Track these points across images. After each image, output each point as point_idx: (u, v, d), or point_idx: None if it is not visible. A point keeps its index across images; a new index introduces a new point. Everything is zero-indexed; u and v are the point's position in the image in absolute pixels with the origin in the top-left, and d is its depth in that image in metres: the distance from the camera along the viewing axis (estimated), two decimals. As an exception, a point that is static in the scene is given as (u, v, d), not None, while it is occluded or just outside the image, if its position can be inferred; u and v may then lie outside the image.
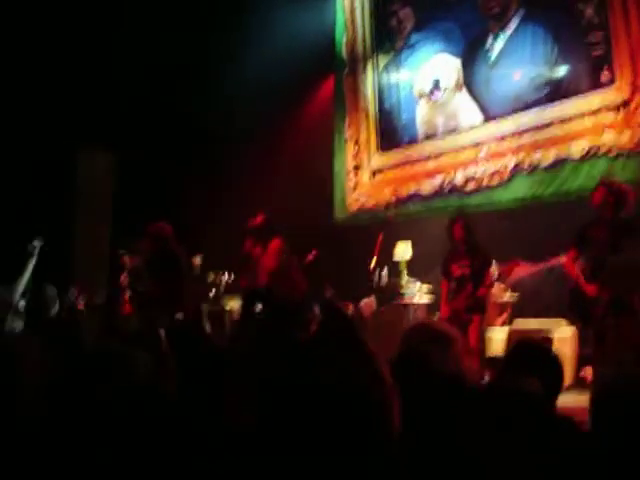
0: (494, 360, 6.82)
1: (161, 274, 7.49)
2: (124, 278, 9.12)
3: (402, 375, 2.40)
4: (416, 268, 8.91)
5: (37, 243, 6.72)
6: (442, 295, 6.80)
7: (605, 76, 7.48)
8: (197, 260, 9.80)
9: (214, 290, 9.79)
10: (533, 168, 8.25)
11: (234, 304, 9.51)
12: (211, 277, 9.92)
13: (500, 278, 6.96)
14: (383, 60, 10.50)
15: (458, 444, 1.86)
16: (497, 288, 7.73)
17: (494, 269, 7.58)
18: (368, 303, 8.47)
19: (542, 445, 1.88)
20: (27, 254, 6.67)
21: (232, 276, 9.88)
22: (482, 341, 6.54)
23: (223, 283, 9.92)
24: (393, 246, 8.85)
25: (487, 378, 6.32)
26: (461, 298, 6.44)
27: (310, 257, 8.50)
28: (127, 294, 9.32)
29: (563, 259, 5.95)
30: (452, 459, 1.84)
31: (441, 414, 1.98)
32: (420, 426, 1.94)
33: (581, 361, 6.71)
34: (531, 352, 2.69)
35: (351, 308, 8.86)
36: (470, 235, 6.56)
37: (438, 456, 1.87)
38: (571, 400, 4.67)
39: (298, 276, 7.56)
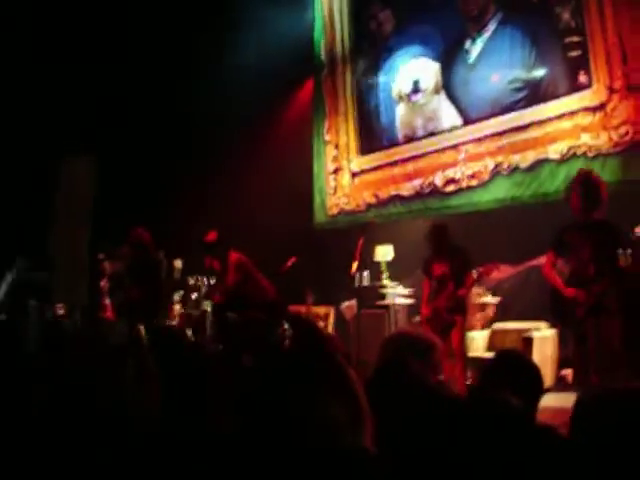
0: (475, 361, 6.86)
1: (141, 280, 7.50)
2: (104, 283, 9.09)
3: (380, 387, 2.41)
4: (397, 270, 8.95)
5: (20, 264, 6.74)
6: (423, 295, 6.80)
7: (582, 79, 7.54)
8: (178, 264, 9.78)
9: (195, 294, 9.78)
10: (512, 170, 8.30)
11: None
12: (191, 281, 9.90)
13: (479, 280, 6.96)
14: (362, 63, 10.52)
15: (437, 457, 1.87)
16: (477, 290, 7.78)
17: (474, 271, 7.62)
18: (349, 306, 8.49)
19: (520, 458, 1.89)
20: (7, 270, 6.67)
21: (212, 280, 9.86)
22: (464, 343, 6.53)
23: (204, 287, 9.90)
24: (374, 248, 8.89)
25: (469, 380, 6.36)
26: (442, 298, 6.45)
27: (289, 264, 8.51)
28: (107, 300, 9.30)
29: (541, 261, 5.99)
30: (431, 473, 1.84)
31: (420, 427, 1.98)
32: (399, 440, 1.94)
33: (562, 362, 6.77)
34: (511, 362, 2.70)
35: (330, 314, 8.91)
36: (445, 241, 6.60)
37: (417, 471, 1.87)
38: (552, 400, 4.72)
39: (264, 285, 7.60)
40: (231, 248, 7.58)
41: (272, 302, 7.39)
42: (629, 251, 5.38)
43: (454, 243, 6.65)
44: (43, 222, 10.57)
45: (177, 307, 8.97)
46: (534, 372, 2.65)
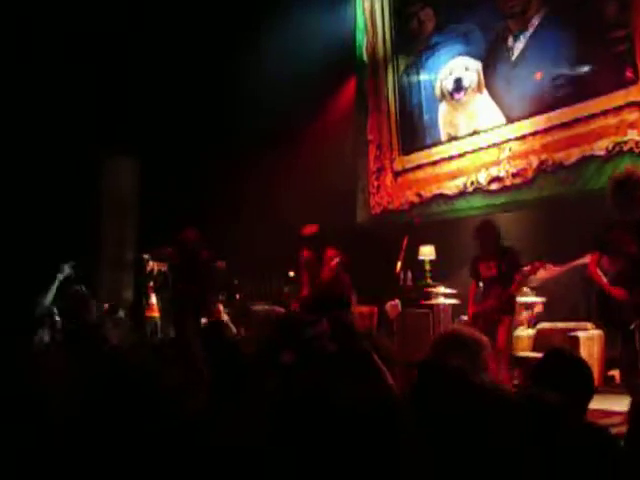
0: (521, 360, 6.82)
1: (191, 279, 7.59)
2: (150, 283, 9.24)
3: (426, 383, 2.42)
4: (441, 270, 8.92)
5: (67, 269, 6.88)
6: (470, 295, 6.65)
7: (628, 74, 7.43)
8: (221, 264, 9.87)
9: (238, 295, 9.87)
10: (557, 167, 8.21)
11: (258, 308, 9.57)
12: (236, 282, 9.99)
13: (527, 279, 6.88)
14: (404, 62, 10.51)
15: (486, 455, 1.87)
16: (522, 289, 7.71)
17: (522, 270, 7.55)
18: (393, 305, 8.47)
19: (566, 454, 1.89)
20: (56, 273, 6.83)
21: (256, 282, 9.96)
22: (510, 342, 6.44)
23: (247, 288, 9.99)
24: (417, 248, 8.86)
25: (516, 380, 6.32)
26: (490, 299, 6.34)
27: (333, 263, 8.53)
28: (153, 298, 9.44)
29: (587, 261, 5.91)
30: (478, 470, 1.85)
31: (468, 424, 1.99)
32: (445, 436, 1.95)
33: (608, 363, 6.68)
34: (561, 361, 2.68)
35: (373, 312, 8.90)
36: (499, 236, 6.46)
37: (463, 466, 1.88)
38: (599, 402, 4.66)
39: (347, 283, 7.59)
40: (328, 244, 7.57)
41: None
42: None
43: (502, 242, 6.49)
44: (90, 222, 10.75)
45: (221, 307, 9.05)
46: (585, 370, 2.62)
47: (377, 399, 1.90)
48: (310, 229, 7.60)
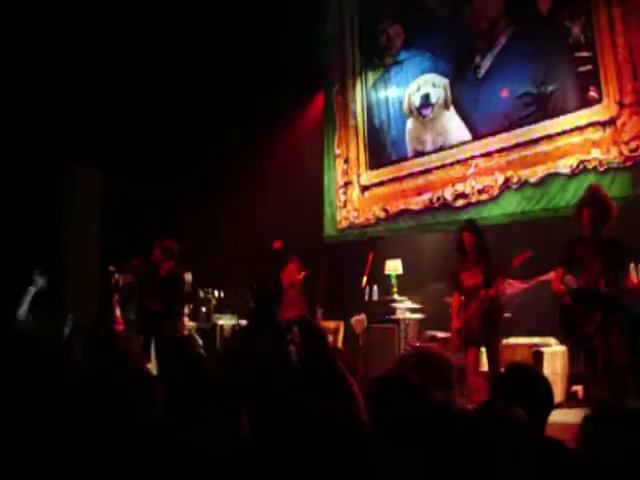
0: (485, 376, 6.83)
1: (163, 292, 7.52)
2: (116, 296, 9.12)
3: (380, 397, 2.43)
4: (407, 284, 8.95)
5: (40, 281, 6.85)
6: (453, 307, 6.44)
7: (592, 94, 7.54)
8: (188, 277, 9.80)
9: (204, 307, 9.80)
10: (522, 184, 8.30)
11: (224, 322, 9.52)
12: (201, 294, 9.93)
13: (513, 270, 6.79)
14: (372, 77, 10.56)
15: (444, 473, 1.87)
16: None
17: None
18: (359, 320, 8.48)
19: (527, 472, 1.89)
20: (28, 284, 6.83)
21: (221, 293, 9.89)
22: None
23: (213, 300, 9.93)
24: (384, 263, 8.88)
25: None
26: (473, 306, 6.17)
27: (300, 277, 8.54)
28: (117, 312, 9.32)
29: (551, 277, 5.97)
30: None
31: (422, 441, 1.99)
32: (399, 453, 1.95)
33: (572, 378, 6.73)
34: (521, 375, 2.70)
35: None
36: (481, 242, 6.32)
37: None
38: (562, 416, 4.70)
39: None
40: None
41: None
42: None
43: (486, 247, 6.35)
44: (53, 234, 10.60)
45: (186, 320, 8.97)
46: (544, 385, 2.65)
47: (341, 405, 1.90)
48: (277, 244, 7.66)
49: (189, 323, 9.02)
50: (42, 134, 9.80)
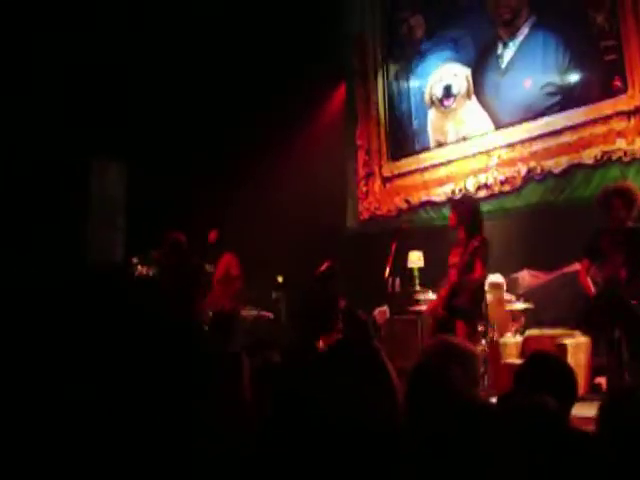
0: (508, 367, 6.80)
1: (178, 283, 7.57)
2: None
3: (418, 391, 2.41)
4: (429, 275, 8.91)
5: None
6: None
7: (617, 83, 7.46)
8: (208, 268, 9.83)
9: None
10: (545, 175, 8.23)
11: (245, 312, 9.53)
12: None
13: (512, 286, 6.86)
14: (394, 68, 10.52)
15: (475, 463, 1.86)
16: (509, 297, 7.72)
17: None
18: (381, 312, 8.46)
19: (557, 461, 1.87)
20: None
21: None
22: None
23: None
24: (406, 254, 8.86)
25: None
26: (447, 285, 6.21)
27: (323, 268, 8.53)
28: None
29: (577, 268, 5.93)
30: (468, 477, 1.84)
31: (457, 433, 1.98)
32: (435, 443, 1.94)
33: (595, 370, 6.68)
34: (544, 364, 2.68)
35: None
36: (470, 218, 6.30)
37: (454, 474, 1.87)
38: (585, 409, 4.66)
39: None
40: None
41: None
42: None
43: (476, 225, 6.31)
44: (77, 226, 10.68)
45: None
46: (569, 374, 2.62)
47: (380, 397, 1.89)
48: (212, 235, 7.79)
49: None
50: (67, 128, 9.87)
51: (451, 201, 6.54)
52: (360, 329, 3.09)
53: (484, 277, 6.37)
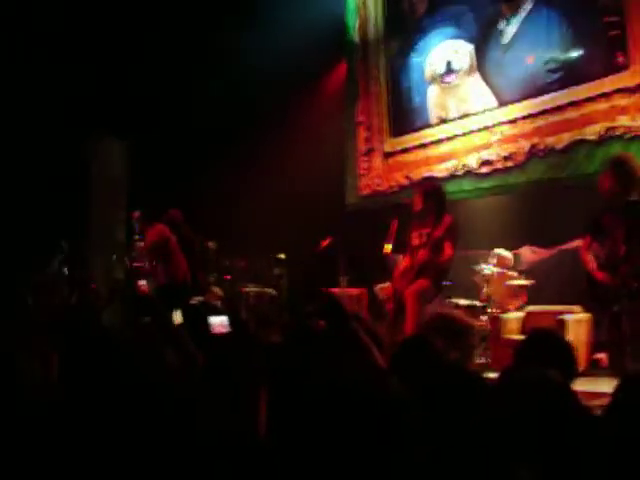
0: (509, 343, 6.85)
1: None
2: (139, 264, 9.21)
3: (402, 361, 2.47)
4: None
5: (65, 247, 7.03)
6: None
7: (619, 59, 7.43)
8: (212, 245, 9.87)
9: (229, 276, 9.87)
10: (548, 151, 8.22)
11: (250, 289, 9.58)
12: (227, 262, 9.99)
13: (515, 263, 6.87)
14: (395, 44, 10.47)
15: (470, 434, 1.89)
16: (511, 273, 7.75)
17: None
18: (383, 288, 8.49)
19: (559, 431, 1.90)
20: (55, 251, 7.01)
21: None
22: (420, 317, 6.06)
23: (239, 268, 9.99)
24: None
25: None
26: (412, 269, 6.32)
27: (324, 244, 8.56)
28: (142, 280, 9.42)
29: (578, 244, 5.96)
30: (464, 450, 1.86)
31: (446, 402, 2.01)
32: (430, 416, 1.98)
33: (596, 346, 6.73)
34: (544, 340, 2.71)
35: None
36: (434, 202, 6.43)
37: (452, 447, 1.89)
38: (585, 384, 4.71)
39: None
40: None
41: None
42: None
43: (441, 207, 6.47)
44: (80, 205, 10.71)
45: (216, 289, 9.04)
46: (568, 350, 2.66)
47: (363, 380, 1.92)
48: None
49: (217, 290, 9.07)
50: (68, 106, 9.87)
51: (415, 184, 6.61)
52: (337, 313, 3.13)
53: (452, 258, 6.45)
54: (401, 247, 6.88)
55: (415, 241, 6.43)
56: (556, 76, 8.12)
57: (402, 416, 1.69)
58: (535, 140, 8.32)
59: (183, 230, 7.96)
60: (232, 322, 3.74)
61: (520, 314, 7.52)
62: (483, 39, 9.02)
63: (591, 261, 5.46)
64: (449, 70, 9.45)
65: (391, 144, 10.39)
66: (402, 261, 6.58)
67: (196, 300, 7.48)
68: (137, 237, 8.17)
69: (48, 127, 9.77)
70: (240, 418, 2.31)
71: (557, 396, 1.92)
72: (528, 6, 8.46)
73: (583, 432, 1.90)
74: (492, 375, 4.63)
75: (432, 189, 6.64)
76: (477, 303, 7.46)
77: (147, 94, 10.49)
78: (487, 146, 8.89)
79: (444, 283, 6.92)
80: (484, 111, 9.00)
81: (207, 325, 3.87)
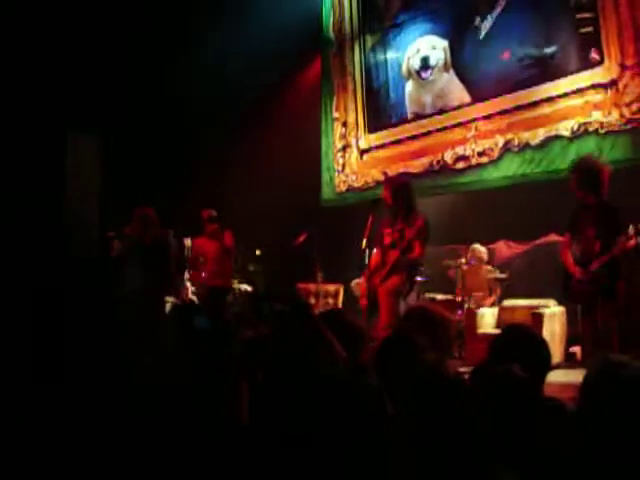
0: (484, 338, 6.88)
1: (149, 258, 7.52)
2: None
3: (385, 357, 2.47)
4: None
5: None
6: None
7: (593, 55, 7.48)
8: (188, 243, 9.81)
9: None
10: (522, 147, 8.26)
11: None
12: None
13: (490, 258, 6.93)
14: (370, 40, 10.46)
15: (444, 428, 1.89)
16: (486, 267, 7.79)
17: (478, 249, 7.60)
18: (359, 283, 8.50)
19: (527, 427, 1.91)
20: None
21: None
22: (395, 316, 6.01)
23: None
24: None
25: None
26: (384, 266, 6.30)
27: (300, 240, 8.54)
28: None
29: (553, 239, 6.01)
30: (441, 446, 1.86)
31: (424, 399, 2.01)
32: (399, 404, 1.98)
33: (570, 339, 6.79)
34: (519, 336, 2.72)
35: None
36: (403, 197, 6.40)
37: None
38: (560, 377, 4.75)
39: None
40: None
41: None
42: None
43: (411, 203, 6.42)
44: (53, 201, 10.59)
45: (189, 285, 9.00)
46: (541, 345, 2.67)
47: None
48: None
49: (191, 287, 9.04)
50: (41, 102, 9.75)
51: (385, 180, 6.58)
52: (300, 311, 3.14)
53: (422, 257, 6.47)
54: (375, 243, 6.87)
55: (387, 238, 6.41)
56: (531, 72, 8.16)
57: (369, 403, 1.70)
58: (509, 136, 8.37)
59: (156, 227, 7.88)
60: (213, 319, 3.72)
61: (495, 309, 7.57)
62: (459, 35, 9.04)
63: (569, 257, 5.51)
64: (425, 66, 9.46)
65: (367, 140, 10.39)
66: (374, 257, 6.56)
67: (170, 300, 7.46)
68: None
69: (20, 121, 9.64)
70: (225, 406, 2.33)
71: (521, 393, 1.93)
72: (503, 2, 8.48)
73: (551, 426, 1.91)
74: (465, 370, 4.66)
75: (399, 185, 6.62)
76: (453, 297, 7.49)
77: (121, 90, 10.38)
78: (462, 142, 8.92)
79: (419, 279, 6.94)
80: (459, 107, 9.02)
81: (193, 322, 3.86)
